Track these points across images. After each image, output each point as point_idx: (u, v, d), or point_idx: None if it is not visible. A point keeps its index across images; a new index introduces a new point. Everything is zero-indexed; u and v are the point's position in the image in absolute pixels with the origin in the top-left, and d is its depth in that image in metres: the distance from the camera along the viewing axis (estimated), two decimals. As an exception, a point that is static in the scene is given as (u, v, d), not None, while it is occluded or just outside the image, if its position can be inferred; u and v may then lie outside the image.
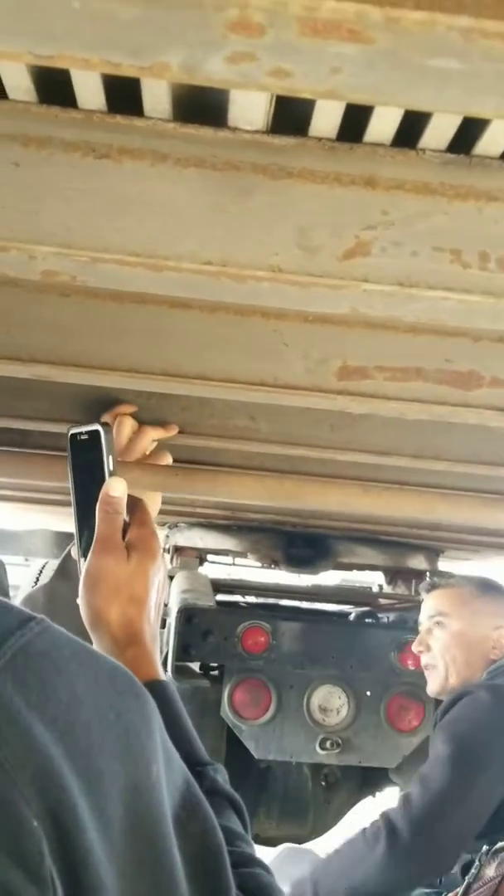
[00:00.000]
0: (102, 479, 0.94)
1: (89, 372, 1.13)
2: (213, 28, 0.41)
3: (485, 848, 1.61)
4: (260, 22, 0.40)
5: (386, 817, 1.67)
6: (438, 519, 1.46)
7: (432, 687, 1.92)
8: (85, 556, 0.90)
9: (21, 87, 0.71)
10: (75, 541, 0.96)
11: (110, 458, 0.95)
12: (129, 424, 1.32)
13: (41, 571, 3.27)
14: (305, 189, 0.78)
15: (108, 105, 0.73)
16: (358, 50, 0.41)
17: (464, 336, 1.18)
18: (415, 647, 1.99)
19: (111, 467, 0.95)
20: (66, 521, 3.53)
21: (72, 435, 1.01)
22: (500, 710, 1.67)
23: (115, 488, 0.90)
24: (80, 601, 0.82)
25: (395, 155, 0.77)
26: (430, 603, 1.99)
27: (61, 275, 0.76)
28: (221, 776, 0.78)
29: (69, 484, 0.98)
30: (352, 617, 3.69)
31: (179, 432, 1.62)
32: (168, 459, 1.43)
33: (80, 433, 1.00)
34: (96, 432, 0.99)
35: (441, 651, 1.91)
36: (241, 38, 0.41)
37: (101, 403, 1.52)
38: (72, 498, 0.97)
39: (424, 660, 1.97)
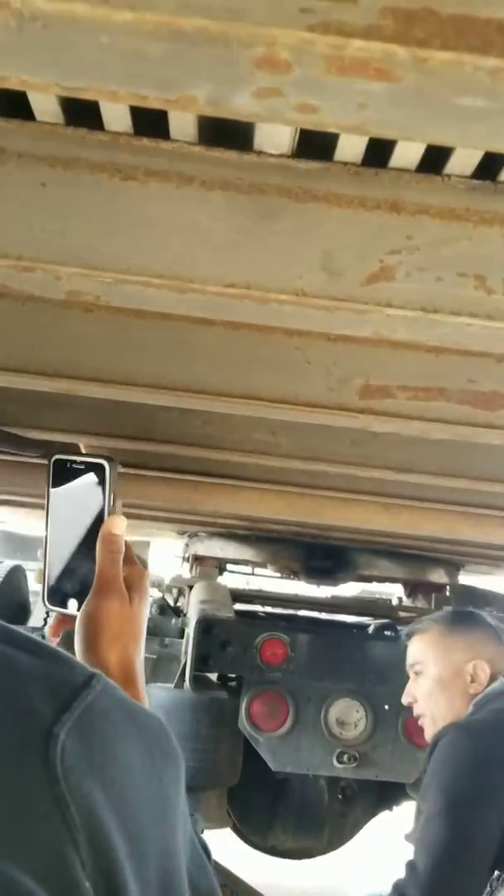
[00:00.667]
0: (101, 516, 0.87)
1: (112, 387, 1.14)
2: (240, 64, 0.41)
3: (496, 873, 1.59)
4: (287, 59, 0.40)
5: (397, 889, 1.66)
6: (459, 537, 1.45)
7: (427, 735, 1.89)
8: (74, 595, 0.85)
9: (48, 109, 0.71)
10: (44, 576, 0.89)
11: (112, 495, 0.88)
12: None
13: None
14: (330, 213, 0.78)
15: (134, 127, 0.74)
16: (384, 87, 0.41)
17: (487, 357, 1.17)
18: (404, 700, 1.97)
19: (111, 504, 0.89)
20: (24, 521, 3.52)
21: (59, 461, 0.91)
22: (476, 747, 1.64)
23: (119, 526, 0.84)
24: (78, 643, 0.79)
25: (420, 180, 0.76)
26: (409, 652, 1.97)
27: (86, 294, 0.77)
28: (198, 823, 0.78)
29: (46, 514, 0.90)
30: (371, 629, 3.67)
31: (202, 446, 1.62)
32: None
33: (74, 462, 0.91)
34: (100, 466, 0.89)
35: (425, 700, 1.89)
36: (267, 75, 0.41)
37: (123, 416, 1.53)
38: (48, 530, 0.90)
39: (415, 711, 1.95)
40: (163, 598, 3.66)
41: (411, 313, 0.76)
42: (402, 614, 3.86)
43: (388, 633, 3.46)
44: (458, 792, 1.62)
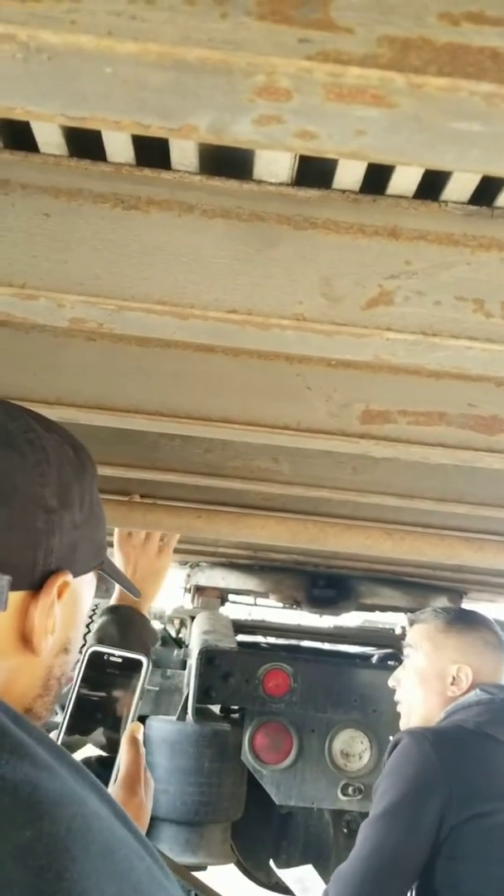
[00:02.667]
0: (127, 710, 0.94)
1: (114, 415, 1.15)
2: (241, 92, 0.42)
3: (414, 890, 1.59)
4: (286, 87, 0.41)
5: (324, 892, 1.66)
6: (462, 563, 1.44)
7: (401, 725, 1.89)
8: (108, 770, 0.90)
9: (52, 142, 0.73)
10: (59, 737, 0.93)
11: (143, 695, 0.96)
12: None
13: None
14: (329, 239, 0.79)
15: (136, 158, 0.75)
16: (382, 113, 0.42)
17: (487, 381, 1.18)
18: (390, 683, 1.95)
19: (139, 704, 0.96)
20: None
21: (97, 653, 0.96)
22: (423, 758, 1.62)
23: (140, 732, 0.93)
24: None
25: (417, 207, 0.78)
26: (407, 636, 1.96)
27: (89, 322, 0.78)
28: None
29: (72, 695, 0.94)
30: (374, 659, 3.64)
31: (204, 473, 1.63)
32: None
33: (112, 655, 0.96)
34: (138, 662, 0.96)
35: (406, 687, 1.87)
36: (268, 102, 0.43)
37: (126, 444, 1.53)
38: (72, 706, 0.94)
39: (396, 695, 1.93)
40: (164, 630, 3.64)
41: (411, 337, 0.77)
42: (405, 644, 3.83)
43: (391, 662, 3.44)
44: (393, 803, 1.61)
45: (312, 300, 0.79)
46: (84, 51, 0.40)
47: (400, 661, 3.26)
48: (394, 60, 0.44)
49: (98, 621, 1.53)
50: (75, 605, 0.70)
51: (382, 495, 1.61)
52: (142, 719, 3.24)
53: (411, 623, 1.93)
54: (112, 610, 1.55)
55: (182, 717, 2.92)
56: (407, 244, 0.79)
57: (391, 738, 2.98)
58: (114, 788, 0.88)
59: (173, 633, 3.74)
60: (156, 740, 3.05)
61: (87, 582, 0.73)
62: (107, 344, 1.11)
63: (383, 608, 4.25)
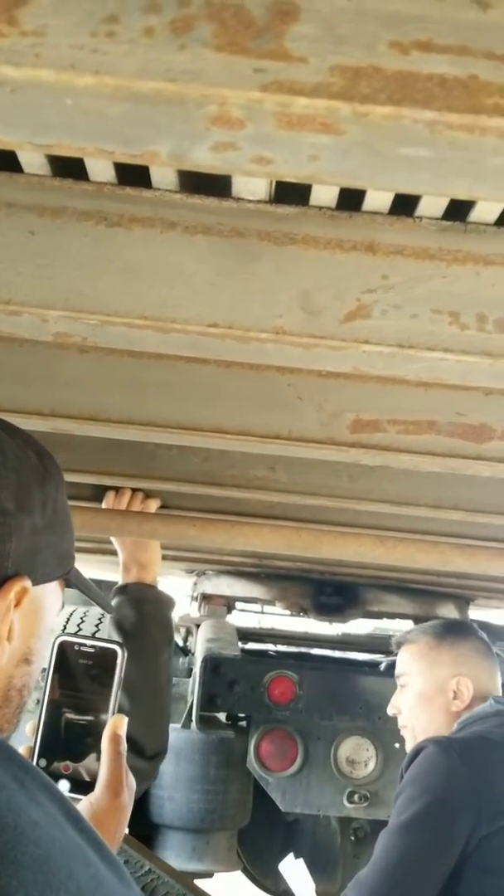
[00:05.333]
0: (106, 704, 0.88)
1: (107, 426, 1.17)
2: (197, 122, 0.44)
3: None
4: (239, 117, 0.43)
5: None
6: (454, 569, 1.46)
7: (407, 748, 1.86)
8: (67, 778, 0.86)
9: (35, 162, 0.75)
10: (35, 746, 0.89)
11: (120, 685, 0.89)
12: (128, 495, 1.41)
13: (69, 620, 3.26)
14: (308, 254, 0.81)
15: (117, 178, 0.77)
16: (332, 140, 0.44)
17: (475, 389, 1.20)
18: (389, 711, 1.94)
19: (118, 696, 0.89)
20: (96, 569, 3.56)
21: (65, 643, 0.90)
22: (449, 766, 1.59)
23: (122, 727, 0.86)
24: None
25: (393, 223, 0.79)
26: (397, 663, 1.94)
27: (73, 336, 0.80)
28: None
29: (44, 689, 0.89)
30: (382, 666, 3.63)
31: (201, 482, 1.64)
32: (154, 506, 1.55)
33: (82, 645, 0.90)
34: (113, 652, 0.90)
35: (408, 712, 1.86)
36: (222, 131, 0.45)
37: (122, 454, 1.55)
38: (44, 705, 0.89)
39: (399, 722, 1.92)
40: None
41: (387, 349, 0.78)
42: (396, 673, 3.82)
43: (453, 620, 3.42)
44: (419, 811, 1.58)
45: (292, 313, 0.81)
46: (44, 84, 0.42)
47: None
48: (345, 89, 0.46)
49: (111, 602, 1.53)
50: (37, 614, 0.70)
51: (378, 503, 1.62)
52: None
53: (398, 646, 1.93)
54: (121, 590, 1.55)
55: (187, 725, 2.94)
56: (384, 259, 0.81)
57: (396, 745, 2.98)
58: (97, 791, 0.86)
59: (180, 642, 3.76)
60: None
61: (52, 591, 0.73)
62: (99, 356, 1.13)
63: (390, 615, 4.25)
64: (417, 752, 1.68)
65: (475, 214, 0.77)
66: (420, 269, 0.81)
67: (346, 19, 0.48)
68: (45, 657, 0.75)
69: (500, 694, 1.80)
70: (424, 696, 1.83)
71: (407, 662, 1.88)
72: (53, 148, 0.47)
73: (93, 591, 0.86)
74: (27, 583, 0.67)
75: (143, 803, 3.03)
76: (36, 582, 0.69)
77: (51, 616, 0.73)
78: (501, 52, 0.48)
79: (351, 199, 0.78)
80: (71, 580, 0.77)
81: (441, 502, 1.60)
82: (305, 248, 0.81)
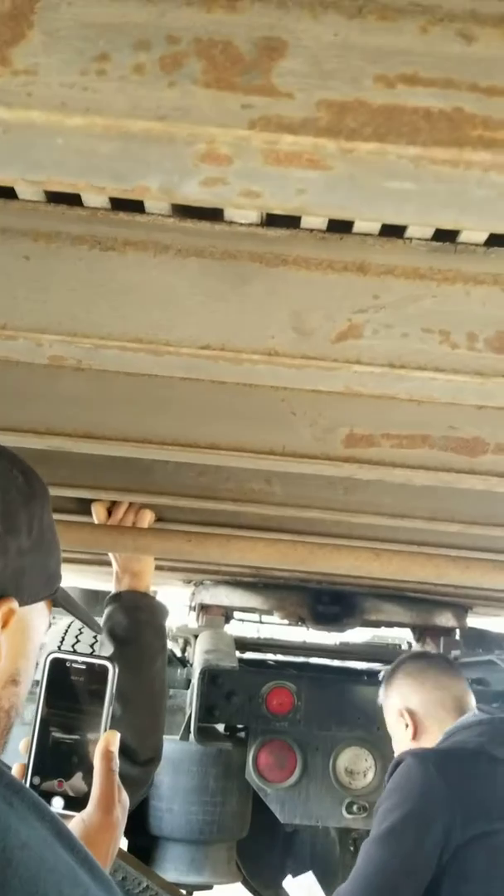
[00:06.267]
0: (98, 720, 0.88)
1: (103, 443, 1.17)
2: (186, 159, 0.45)
3: None
4: (227, 154, 0.44)
5: None
6: (449, 582, 1.46)
7: None
8: (61, 795, 0.86)
9: (30, 189, 0.76)
10: (27, 773, 0.88)
11: (112, 701, 0.89)
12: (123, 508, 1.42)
13: (67, 632, 3.25)
14: (300, 275, 0.82)
15: (111, 203, 0.78)
16: (319, 175, 0.45)
17: (468, 404, 1.20)
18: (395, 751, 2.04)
19: (110, 712, 0.89)
20: (93, 580, 3.56)
21: (57, 660, 0.89)
22: (425, 777, 1.65)
23: (115, 743, 0.86)
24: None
25: (383, 244, 0.80)
26: None
27: (67, 359, 0.81)
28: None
29: (37, 706, 0.88)
30: (381, 676, 3.63)
31: (197, 496, 1.65)
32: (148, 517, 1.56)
33: (74, 662, 0.89)
34: (104, 668, 0.89)
35: (393, 744, 1.97)
36: (211, 167, 0.45)
37: (119, 469, 1.56)
38: (37, 722, 0.88)
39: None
40: (168, 649, 3.64)
41: (378, 369, 0.79)
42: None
43: (412, 651, 3.43)
44: (396, 822, 1.63)
45: (284, 334, 0.82)
46: (35, 124, 0.43)
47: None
48: (331, 123, 0.47)
49: (105, 611, 1.54)
50: (24, 634, 0.70)
51: (374, 515, 1.63)
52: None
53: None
54: (115, 598, 1.56)
55: (185, 736, 2.93)
56: (375, 279, 0.82)
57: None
58: (89, 808, 0.85)
59: (178, 653, 3.75)
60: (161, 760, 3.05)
61: (39, 612, 0.73)
62: (94, 374, 1.14)
63: (388, 624, 4.25)
64: (397, 764, 1.73)
65: (465, 235, 0.78)
66: (411, 289, 0.82)
67: (333, 54, 0.49)
68: (32, 677, 0.74)
69: (470, 705, 1.84)
70: (392, 727, 1.95)
71: (380, 697, 2.00)
72: (46, 184, 0.48)
73: (79, 611, 0.86)
74: (14, 604, 0.67)
75: (141, 815, 3.02)
76: (23, 602, 0.69)
77: (38, 636, 0.73)
78: (486, 84, 0.49)
79: (342, 222, 0.79)
80: (58, 599, 0.77)
81: (437, 514, 1.60)
82: (297, 269, 0.82)
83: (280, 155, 0.44)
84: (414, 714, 1.86)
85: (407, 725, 1.86)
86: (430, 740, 1.82)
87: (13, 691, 0.70)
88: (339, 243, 0.81)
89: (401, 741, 1.90)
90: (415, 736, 1.84)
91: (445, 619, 4.03)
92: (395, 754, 1.92)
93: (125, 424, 1.19)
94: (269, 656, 3.81)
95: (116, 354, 0.79)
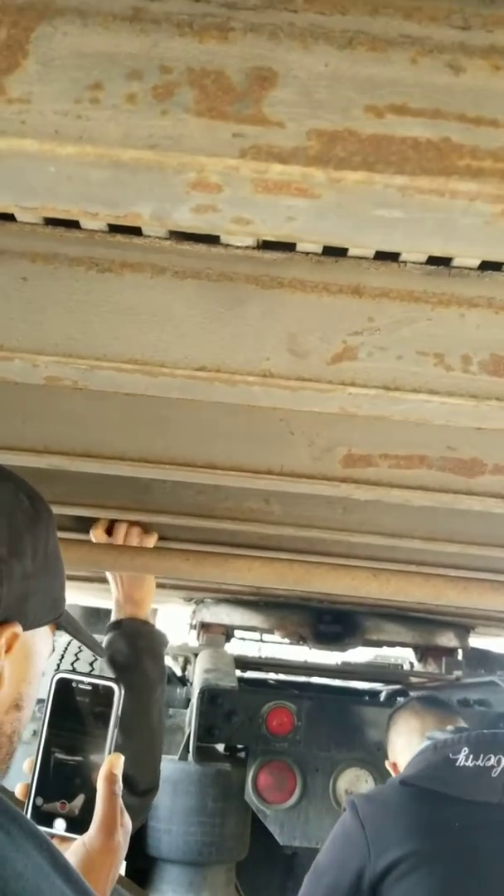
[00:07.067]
0: (102, 742, 0.87)
1: (101, 462, 1.18)
2: (177, 187, 0.46)
3: None
4: (217, 182, 0.45)
5: None
6: (448, 603, 1.46)
7: None
8: (63, 817, 0.85)
9: (27, 213, 0.77)
10: (30, 792, 0.88)
11: (117, 723, 0.88)
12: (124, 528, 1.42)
13: (66, 650, 3.24)
14: (295, 298, 0.83)
15: (108, 225, 0.79)
16: (308, 203, 0.46)
17: (463, 426, 1.21)
18: None
19: (115, 734, 0.88)
20: (93, 597, 3.55)
21: (63, 680, 0.89)
22: (351, 819, 1.75)
23: (118, 766, 0.85)
24: (75, 865, 0.80)
25: (378, 267, 0.81)
26: None
27: (63, 380, 0.81)
28: None
29: (41, 726, 0.89)
30: (383, 696, 3.61)
31: (195, 515, 1.65)
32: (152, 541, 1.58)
33: (80, 682, 0.89)
34: (110, 689, 0.88)
35: None
36: (202, 195, 0.46)
37: (118, 487, 1.56)
38: (41, 743, 0.88)
39: None
40: (168, 667, 3.62)
41: (373, 391, 0.80)
42: (413, 680, 3.81)
43: (400, 699, 3.41)
44: (319, 862, 1.77)
45: (279, 356, 0.82)
46: (28, 153, 0.43)
47: (408, 698, 3.28)
48: (321, 152, 0.48)
49: (105, 638, 1.54)
50: (27, 659, 0.70)
51: (373, 535, 1.63)
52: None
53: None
54: (115, 626, 1.56)
55: (184, 756, 2.91)
56: (370, 301, 0.83)
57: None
58: (91, 831, 0.84)
59: (178, 671, 3.73)
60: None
61: (42, 636, 0.73)
62: (93, 393, 1.14)
63: (390, 644, 4.23)
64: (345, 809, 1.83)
65: (458, 260, 0.79)
66: (405, 312, 0.83)
67: (323, 84, 0.50)
68: (34, 702, 0.74)
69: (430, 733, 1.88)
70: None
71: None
72: (40, 210, 0.49)
73: (83, 635, 0.86)
74: (18, 629, 0.67)
75: (140, 836, 2.99)
76: (27, 627, 0.68)
77: (41, 661, 0.73)
78: (474, 114, 0.50)
79: (337, 245, 0.79)
80: (62, 623, 0.77)
81: (435, 534, 1.60)
82: (293, 291, 0.83)
83: (269, 184, 0.45)
84: (396, 766, 1.96)
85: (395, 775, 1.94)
86: None
87: (16, 716, 0.69)
88: (334, 266, 0.81)
89: None
90: None
91: (447, 640, 4.01)
92: None
93: (123, 443, 1.19)
94: (271, 675, 3.79)
95: (112, 376, 0.79)
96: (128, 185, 0.46)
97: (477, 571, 1.73)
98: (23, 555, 0.68)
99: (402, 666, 4.65)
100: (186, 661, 3.67)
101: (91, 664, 3.01)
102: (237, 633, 4.21)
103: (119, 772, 0.86)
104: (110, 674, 1.44)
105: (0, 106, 0.46)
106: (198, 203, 0.47)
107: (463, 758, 1.72)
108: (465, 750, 1.72)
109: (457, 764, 1.70)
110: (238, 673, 3.31)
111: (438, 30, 0.51)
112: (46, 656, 0.73)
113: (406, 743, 1.91)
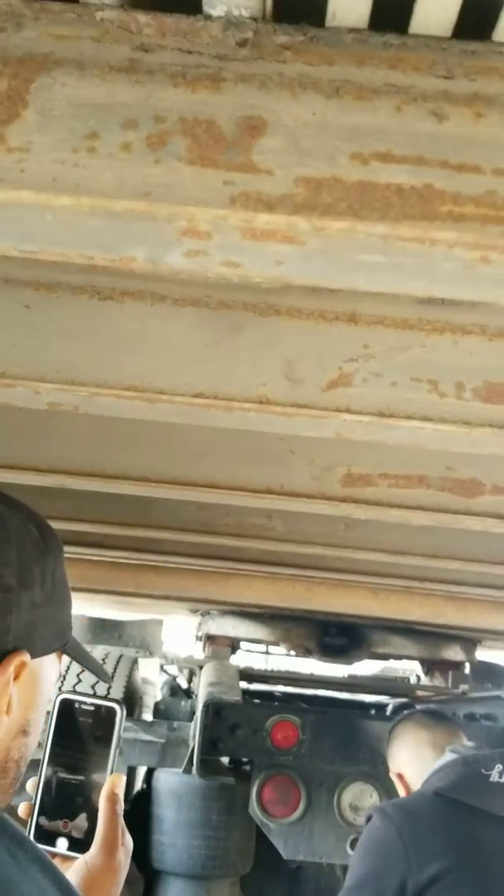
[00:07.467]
0: (104, 763, 0.88)
1: (103, 481, 1.20)
2: (169, 234, 0.48)
3: None
4: (207, 230, 0.47)
5: None
6: (447, 622, 1.47)
7: None
8: (65, 836, 0.86)
9: (31, 243, 0.79)
10: (34, 810, 0.88)
11: (119, 743, 0.89)
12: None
13: (67, 672, 3.22)
14: (292, 325, 0.85)
15: (109, 256, 0.81)
16: (294, 249, 0.48)
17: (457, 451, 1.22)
18: None
19: (116, 754, 0.89)
20: (100, 608, 3.57)
21: (66, 701, 0.90)
22: (385, 829, 1.69)
23: (120, 785, 0.86)
24: (76, 883, 0.80)
25: (373, 295, 0.83)
26: None
27: (64, 406, 0.83)
28: None
29: (45, 747, 0.89)
30: (389, 710, 3.60)
31: (197, 531, 1.67)
32: None
33: (83, 703, 0.90)
34: (112, 710, 0.89)
35: None
36: (193, 241, 0.48)
37: (121, 503, 1.58)
38: (45, 763, 0.89)
39: None
40: (173, 679, 3.63)
41: (367, 418, 0.81)
42: (419, 693, 3.80)
43: (405, 712, 3.41)
44: (358, 876, 1.69)
45: (276, 382, 0.84)
46: (24, 203, 0.45)
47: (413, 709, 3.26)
48: (308, 199, 0.50)
49: None
50: (35, 686, 0.71)
51: (375, 552, 1.64)
52: (149, 772, 3.24)
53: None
54: None
55: (188, 769, 2.92)
56: (365, 328, 0.84)
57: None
58: (92, 850, 0.85)
59: (183, 683, 3.74)
60: (163, 792, 3.03)
61: (49, 663, 0.74)
62: (94, 414, 1.16)
63: (396, 657, 4.22)
64: (368, 818, 1.78)
65: (450, 291, 0.80)
66: (400, 339, 0.84)
67: (311, 133, 0.52)
68: (41, 728, 0.75)
69: (447, 746, 1.87)
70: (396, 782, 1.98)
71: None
72: (37, 254, 0.51)
73: (89, 661, 0.87)
74: (26, 657, 0.68)
75: (144, 849, 3.00)
76: (34, 655, 0.69)
77: (48, 687, 0.74)
78: (456, 161, 0.51)
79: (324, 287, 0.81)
80: (68, 650, 0.78)
81: (437, 552, 1.62)
82: (289, 318, 0.85)
83: (256, 232, 0.46)
84: (402, 777, 1.92)
85: (401, 788, 1.91)
86: None
87: (23, 742, 0.70)
88: (329, 294, 0.83)
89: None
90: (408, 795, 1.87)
91: (454, 653, 4.00)
92: None
93: (124, 463, 1.21)
94: (278, 688, 3.79)
95: (112, 402, 0.81)
96: (122, 231, 0.48)
97: (478, 588, 1.74)
98: (31, 585, 0.69)
99: (408, 679, 4.63)
100: (192, 674, 3.67)
101: (93, 686, 3.01)
102: (243, 644, 4.21)
103: (120, 792, 0.86)
104: None
105: (0, 155, 0.49)
106: (189, 248, 0.49)
107: (496, 774, 1.72)
108: (500, 766, 1.73)
109: (490, 780, 1.71)
110: (244, 684, 3.31)
111: (422, 79, 0.53)
112: (54, 682, 0.74)
113: (414, 754, 1.90)
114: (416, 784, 1.87)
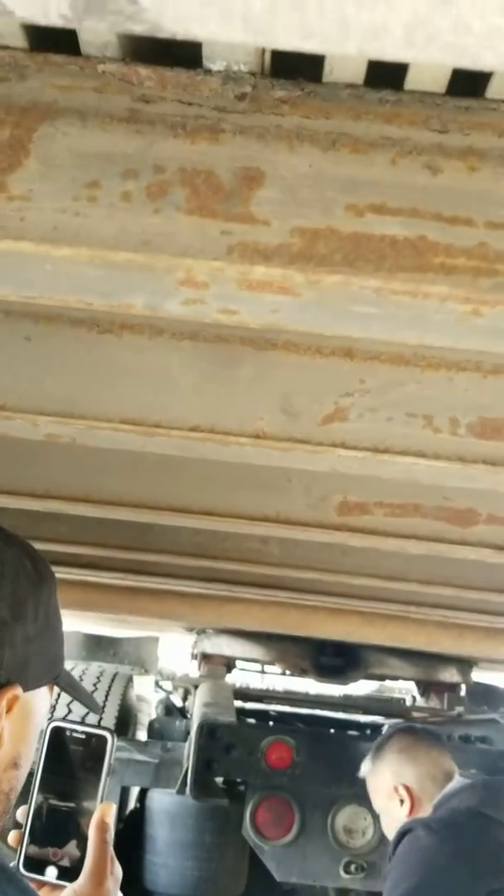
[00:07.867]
0: (94, 791, 0.88)
1: (99, 506, 1.20)
2: (166, 284, 0.49)
3: None
4: (204, 280, 0.48)
5: None
6: (441, 650, 1.47)
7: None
8: (54, 864, 0.86)
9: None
10: (23, 838, 0.87)
11: (110, 772, 0.89)
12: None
13: (58, 701, 3.19)
14: (289, 359, 0.86)
15: (109, 290, 0.82)
16: (289, 299, 0.49)
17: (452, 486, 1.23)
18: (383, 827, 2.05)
19: (107, 783, 0.89)
20: (93, 625, 3.56)
21: (57, 728, 0.90)
22: (438, 847, 1.66)
23: (110, 814, 0.85)
24: None
25: (368, 332, 0.84)
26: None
27: (62, 437, 0.84)
28: None
29: (35, 774, 0.88)
30: (385, 729, 3.58)
31: (194, 555, 1.67)
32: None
33: (74, 731, 0.90)
34: (103, 739, 0.89)
35: (381, 822, 1.98)
36: (190, 290, 0.49)
37: (118, 526, 1.59)
38: (35, 790, 0.88)
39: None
40: (168, 698, 3.62)
41: (362, 453, 0.82)
42: (415, 714, 3.79)
43: (399, 724, 3.39)
44: (407, 892, 1.62)
45: (272, 416, 0.85)
46: (24, 254, 0.46)
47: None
48: (304, 249, 0.51)
49: None
50: (27, 719, 0.71)
51: (371, 577, 1.64)
52: (142, 792, 3.22)
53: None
54: None
55: (182, 790, 2.90)
56: (361, 363, 0.85)
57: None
58: (81, 878, 0.85)
59: (178, 702, 3.72)
60: (156, 812, 3.02)
61: (41, 696, 0.74)
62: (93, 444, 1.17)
63: (392, 678, 4.20)
64: (403, 833, 1.72)
65: (445, 329, 0.81)
66: (395, 374, 0.85)
67: (307, 184, 0.53)
68: (31, 759, 0.75)
69: (454, 775, 1.85)
70: (379, 801, 1.92)
71: (364, 772, 2.00)
72: (38, 299, 0.52)
73: (81, 693, 0.87)
74: (18, 690, 0.68)
75: (136, 869, 2.98)
76: (27, 688, 0.70)
77: (40, 719, 0.74)
78: (449, 213, 0.52)
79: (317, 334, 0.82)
80: (60, 683, 0.78)
81: (432, 578, 1.62)
82: (286, 353, 0.86)
83: (252, 282, 0.47)
84: (410, 789, 1.86)
85: (402, 801, 1.87)
86: (423, 813, 1.82)
87: (13, 774, 0.71)
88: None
89: (395, 818, 1.90)
90: (411, 811, 1.84)
91: (450, 675, 3.98)
92: (386, 830, 1.92)
93: (122, 489, 1.22)
94: (273, 707, 3.77)
95: (109, 435, 0.82)
96: (120, 281, 0.49)
97: (474, 614, 1.74)
98: (25, 618, 0.70)
99: (404, 700, 4.61)
100: (186, 693, 3.66)
101: (83, 717, 2.99)
102: (238, 663, 4.19)
103: (110, 820, 0.86)
104: None
105: (1, 203, 0.50)
106: (186, 297, 0.50)
107: None
108: None
109: None
110: (239, 703, 3.30)
111: (417, 132, 0.54)
112: (45, 714, 0.75)
113: (426, 772, 1.87)
114: (424, 801, 1.84)
